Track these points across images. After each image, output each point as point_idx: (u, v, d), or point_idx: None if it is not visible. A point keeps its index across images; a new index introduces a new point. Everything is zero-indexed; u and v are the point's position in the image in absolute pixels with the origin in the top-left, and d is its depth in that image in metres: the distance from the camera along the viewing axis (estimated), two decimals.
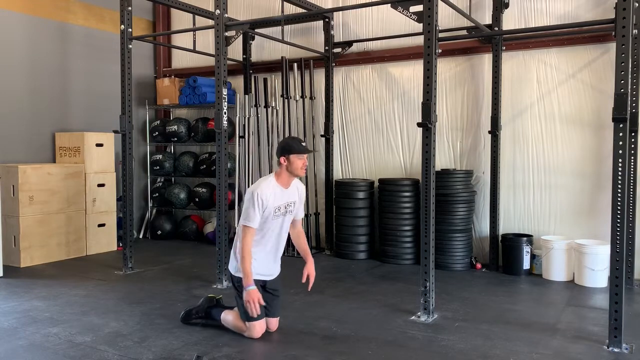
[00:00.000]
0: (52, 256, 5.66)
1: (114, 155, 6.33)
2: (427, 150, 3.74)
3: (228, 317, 3.55)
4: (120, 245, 5.99)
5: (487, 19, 5.29)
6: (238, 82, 6.90)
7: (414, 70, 5.87)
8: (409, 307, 4.03)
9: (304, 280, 3.51)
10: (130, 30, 5.11)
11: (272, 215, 3.38)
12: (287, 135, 6.36)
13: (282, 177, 3.43)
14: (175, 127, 6.98)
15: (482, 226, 5.55)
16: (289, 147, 3.38)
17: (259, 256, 3.41)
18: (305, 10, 5.93)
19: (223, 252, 4.56)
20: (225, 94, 4.55)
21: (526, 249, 5.08)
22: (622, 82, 3.21)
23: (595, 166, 5.05)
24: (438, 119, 4.08)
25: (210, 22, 5.37)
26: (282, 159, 3.38)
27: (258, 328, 3.39)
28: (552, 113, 5.26)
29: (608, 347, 3.26)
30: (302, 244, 3.67)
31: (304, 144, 3.41)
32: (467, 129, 5.65)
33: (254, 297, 3.22)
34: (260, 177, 6.57)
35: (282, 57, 6.33)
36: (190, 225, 6.94)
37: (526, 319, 3.82)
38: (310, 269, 3.54)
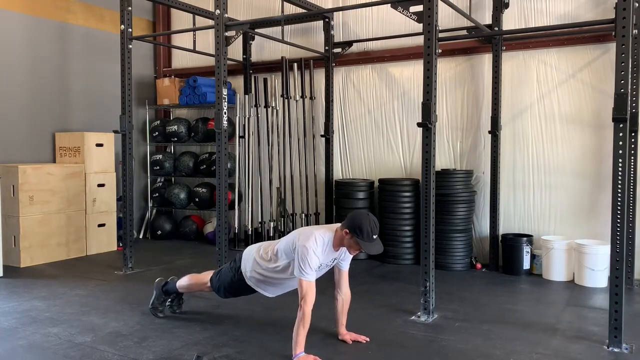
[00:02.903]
0: (52, 256, 5.66)
1: (114, 155, 6.33)
2: (427, 150, 3.74)
3: (183, 282, 3.72)
4: (120, 245, 5.98)
5: (487, 19, 5.29)
6: (238, 82, 6.90)
7: (414, 70, 5.87)
8: (409, 307, 4.03)
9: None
10: (130, 30, 5.11)
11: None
12: (287, 134, 6.38)
13: (336, 242, 3.14)
14: (175, 127, 6.98)
15: (482, 226, 5.55)
16: (360, 231, 3.01)
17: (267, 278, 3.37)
18: (305, 10, 5.93)
19: (223, 252, 4.55)
20: (225, 94, 4.55)
21: (526, 249, 5.08)
22: (622, 82, 3.21)
23: (595, 166, 5.05)
24: (438, 119, 4.07)
25: (210, 22, 5.37)
26: (345, 232, 3.06)
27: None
28: (552, 113, 5.26)
29: (608, 347, 3.26)
30: (344, 314, 3.41)
31: (375, 237, 3.05)
32: (467, 129, 5.65)
33: None
34: (259, 177, 6.61)
35: (282, 57, 6.34)
36: (190, 225, 6.94)
37: (526, 319, 3.82)
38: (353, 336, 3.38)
